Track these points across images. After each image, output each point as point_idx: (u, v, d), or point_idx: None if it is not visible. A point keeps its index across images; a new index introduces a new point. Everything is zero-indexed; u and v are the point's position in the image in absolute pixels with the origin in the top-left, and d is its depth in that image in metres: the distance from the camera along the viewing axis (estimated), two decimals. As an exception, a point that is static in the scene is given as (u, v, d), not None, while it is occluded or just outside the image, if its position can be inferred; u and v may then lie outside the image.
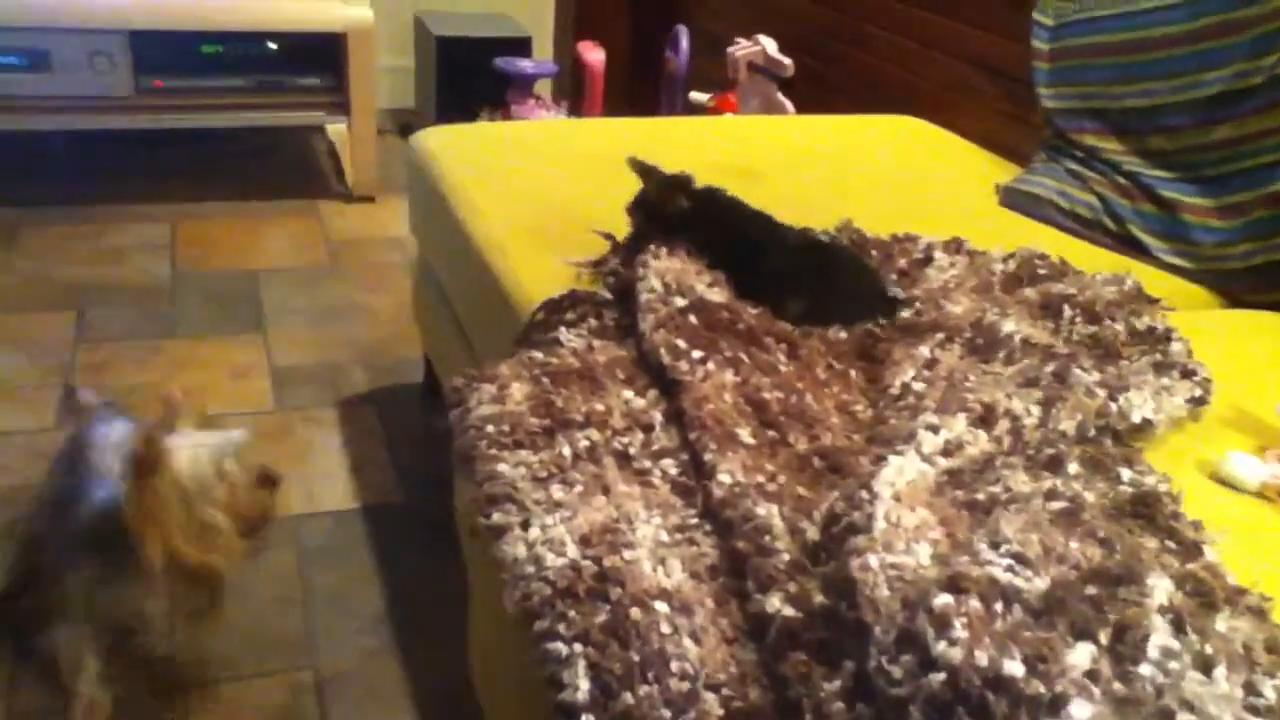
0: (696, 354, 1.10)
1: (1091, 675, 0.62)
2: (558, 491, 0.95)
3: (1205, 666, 0.64)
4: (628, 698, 0.75)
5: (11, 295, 2.33)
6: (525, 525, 0.92)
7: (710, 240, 1.30)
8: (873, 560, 0.74)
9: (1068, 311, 1.23)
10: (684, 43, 3.07)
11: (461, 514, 1.19)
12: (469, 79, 3.31)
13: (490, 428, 1.05)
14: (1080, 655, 0.61)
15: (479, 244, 1.50)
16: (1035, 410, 0.99)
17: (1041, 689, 0.60)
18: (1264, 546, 0.92)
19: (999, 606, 0.65)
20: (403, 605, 1.58)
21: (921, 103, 2.28)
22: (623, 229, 1.38)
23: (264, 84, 2.91)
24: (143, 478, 1.14)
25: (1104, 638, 0.63)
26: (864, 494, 0.82)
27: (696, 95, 2.92)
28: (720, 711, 0.73)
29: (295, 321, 2.34)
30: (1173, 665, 0.63)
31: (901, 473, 0.85)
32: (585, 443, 1.01)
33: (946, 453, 0.90)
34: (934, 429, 0.92)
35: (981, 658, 0.62)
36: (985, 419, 0.95)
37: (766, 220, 1.33)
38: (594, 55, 3.21)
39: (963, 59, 2.26)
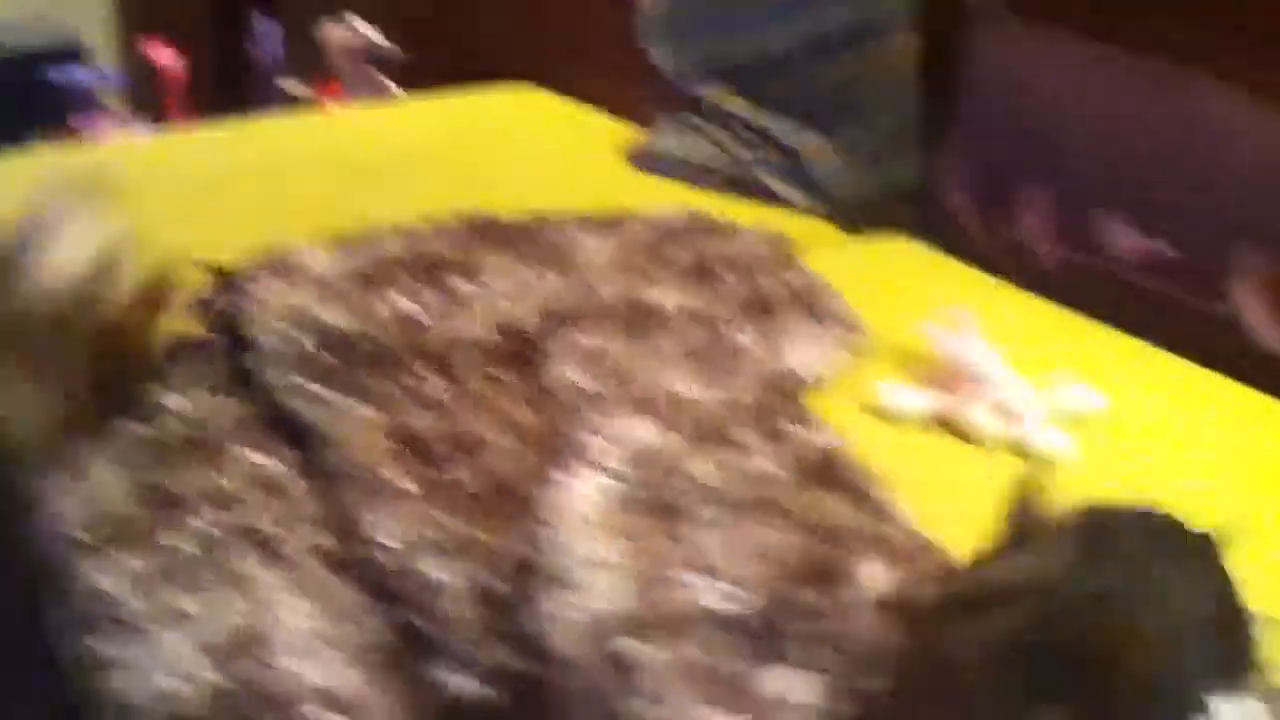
0: (332, 395, 0.95)
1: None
2: (177, 598, 0.77)
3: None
4: None
5: None
6: (136, 651, 0.73)
7: None
8: (560, 608, 0.63)
9: (721, 272, 1.19)
10: (264, 31, 2.81)
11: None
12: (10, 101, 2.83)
13: (83, 533, 0.84)
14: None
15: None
16: (706, 389, 0.93)
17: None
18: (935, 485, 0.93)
19: (697, 641, 0.57)
20: None
21: (534, 70, 2.18)
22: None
23: None
24: None
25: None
26: (542, 529, 0.72)
27: (293, 86, 2.68)
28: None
29: None
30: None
31: (579, 493, 0.75)
32: (207, 528, 0.83)
33: (623, 456, 0.81)
34: (605, 433, 0.83)
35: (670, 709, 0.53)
36: (657, 408, 0.88)
37: None
38: (164, 55, 2.83)
39: (571, 17, 2.19)
